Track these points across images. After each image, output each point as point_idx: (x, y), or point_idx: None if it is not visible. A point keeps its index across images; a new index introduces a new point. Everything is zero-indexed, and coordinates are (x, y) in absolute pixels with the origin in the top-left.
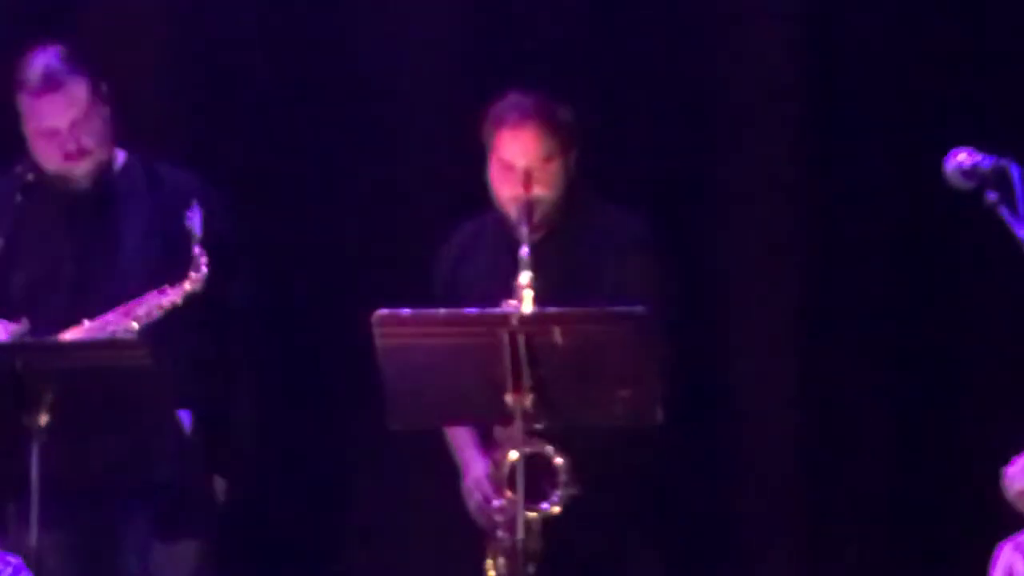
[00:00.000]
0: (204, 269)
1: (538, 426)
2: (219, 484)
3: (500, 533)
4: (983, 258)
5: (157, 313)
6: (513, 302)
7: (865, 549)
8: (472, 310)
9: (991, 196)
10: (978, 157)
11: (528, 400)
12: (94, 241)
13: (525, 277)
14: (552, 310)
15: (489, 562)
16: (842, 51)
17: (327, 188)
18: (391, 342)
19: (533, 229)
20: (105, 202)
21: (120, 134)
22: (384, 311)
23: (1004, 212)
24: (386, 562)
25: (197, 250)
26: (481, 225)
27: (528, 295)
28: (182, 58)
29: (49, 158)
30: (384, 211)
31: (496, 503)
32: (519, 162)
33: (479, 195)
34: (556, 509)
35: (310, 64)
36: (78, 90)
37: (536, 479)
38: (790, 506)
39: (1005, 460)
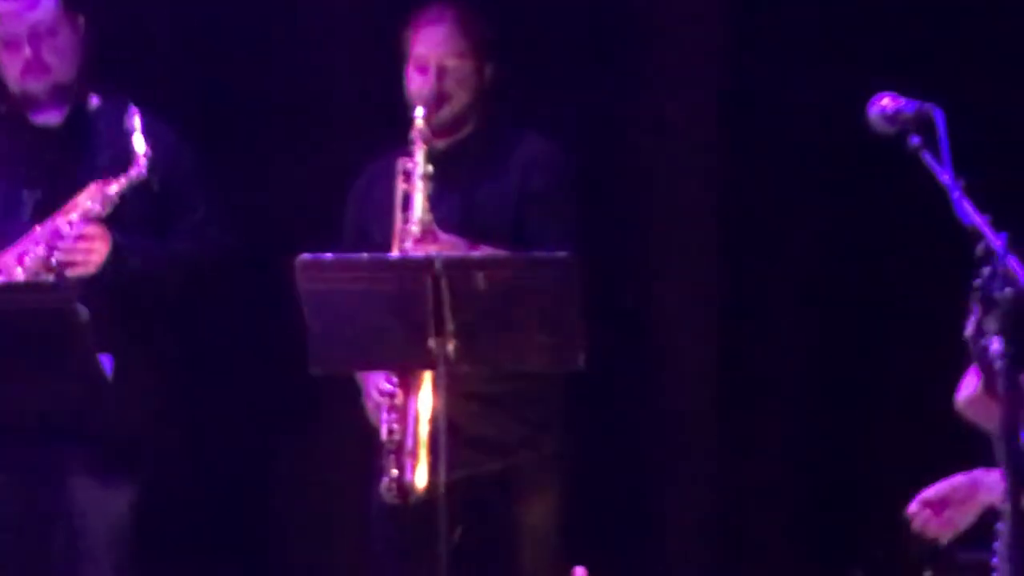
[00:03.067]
0: (144, 161)
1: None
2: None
3: (392, 425)
4: (907, 207)
5: (99, 208)
6: (406, 160)
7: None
8: (395, 255)
9: (914, 140)
10: (901, 102)
11: (451, 345)
12: (55, 178)
13: (421, 150)
14: (475, 255)
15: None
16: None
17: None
18: (314, 287)
19: (439, 131)
20: (71, 140)
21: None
22: (307, 256)
23: (927, 157)
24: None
25: (136, 144)
26: (389, 160)
27: (422, 157)
28: None
29: (9, 71)
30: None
31: (386, 386)
32: (431, 57)
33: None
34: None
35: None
36: (46, 2)
37: None
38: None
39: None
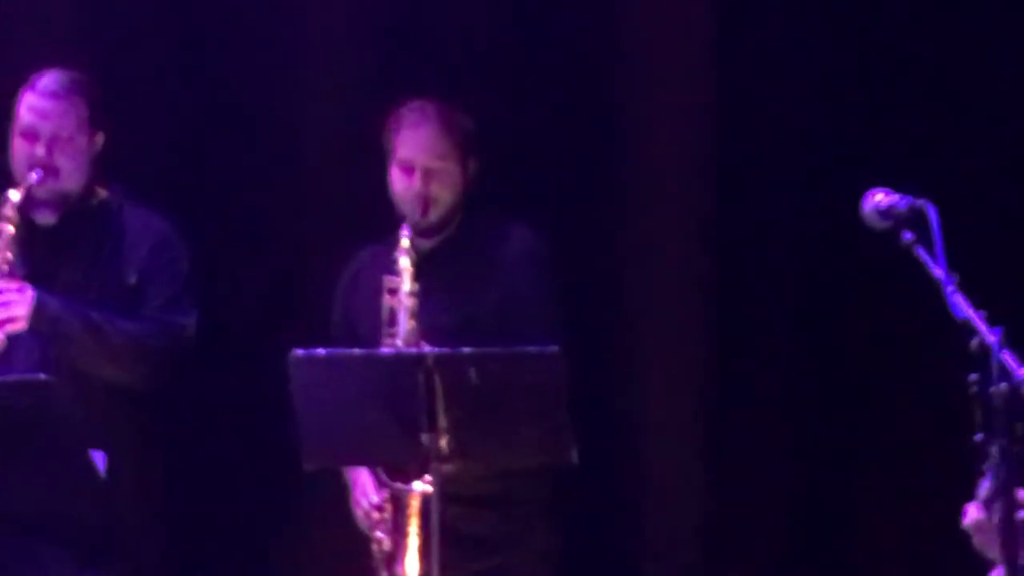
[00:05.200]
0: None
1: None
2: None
3: (382, 536)
4: (896, 295)
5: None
6: (392, 277)
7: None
8: (387, 350)
9: (907, 236)
10: (895, 197)
11: (443, 441)
12: (36, 277)
13: (406, 260)
14: (467, 350)
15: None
16: (756, 83)
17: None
18: (307, 382)
19: (427, 231)
20: (59, 241)
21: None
22: (300, 351)
23: (920, 252)
24: None
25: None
26: (383, 246)
27: (408, 274)
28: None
29: (20, 161)
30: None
31: (374, 499)
32: (417, 160)
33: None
34: (429, 488)
35: (222, 77)
36: (74, 109)
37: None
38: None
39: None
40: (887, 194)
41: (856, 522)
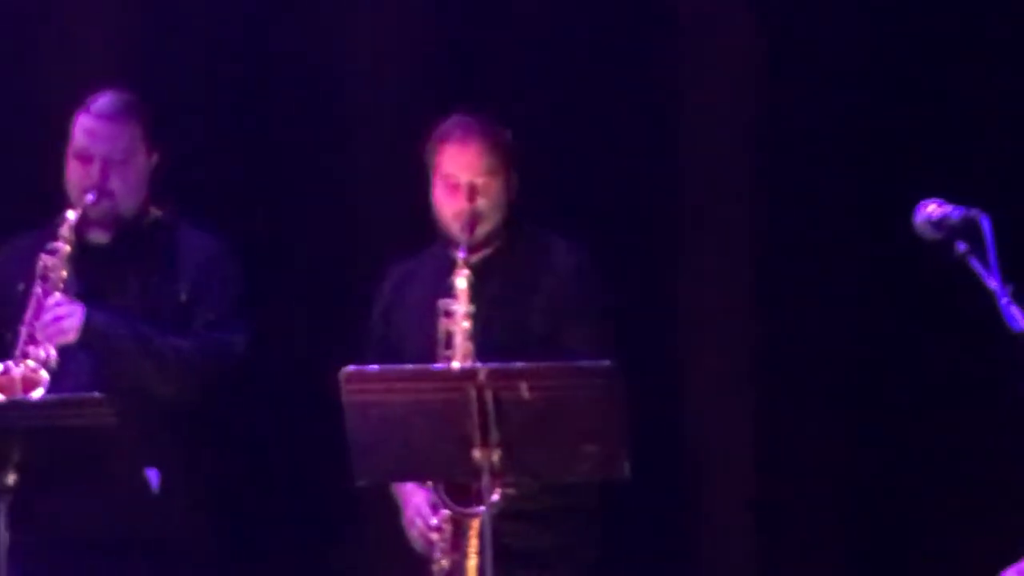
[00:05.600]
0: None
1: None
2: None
3: (440, 557)
4: (948, 306)
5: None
6: (448, 300)
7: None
8: (439, 366)
9: (961, 247)
10: (947, 208)
11: (495, 456)
12: (88, 296)
13: (462, 281)
14: (519, 365)
15: None
16: (806, 92)
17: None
18: (358, 398)
19: (475, 247)
20: (112, 260)
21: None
22: (351, 368)
23: (974, 263)
24: None
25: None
26: (417, 260)
27: (464, 296)
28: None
29: (74, 184)
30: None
31: (433, 521)
32: (463, 176)
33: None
34: (491, 511)
35: (270, 95)
36: (128, 131)
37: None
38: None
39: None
40: (940, 205)
41: (907, 528)
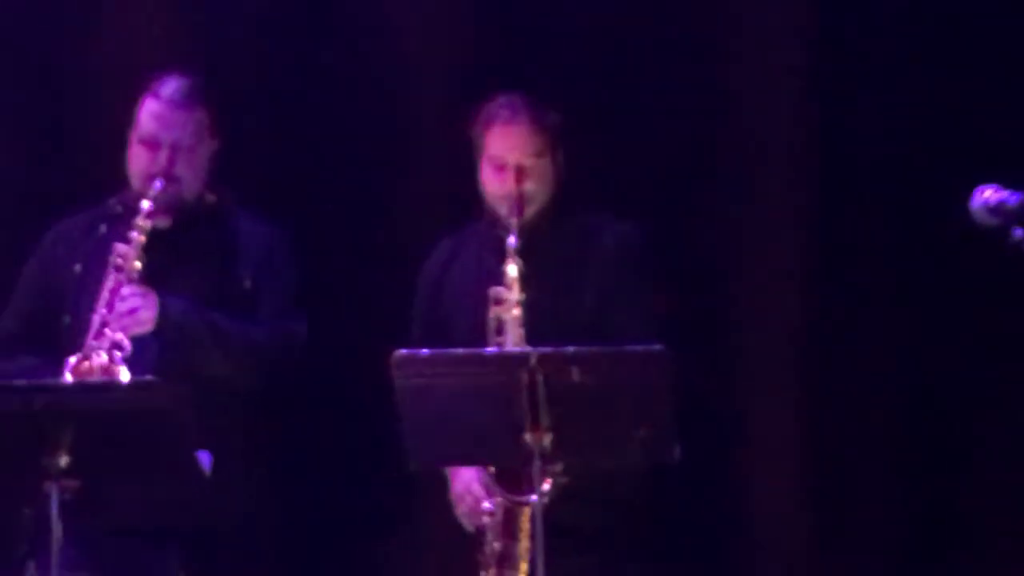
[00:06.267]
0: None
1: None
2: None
3: (490, 537)
4: (1005, 293)
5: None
6: (499, 288)
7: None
8: (491, 350)
9: (1018, 233)
10: (1004, 193)
11: (546, 440)
12: (152, 280)
13: (513, 268)
14: (570, 350)
15: (482, 573)
16: (860, 74)
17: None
18: (409, 382)
19: (522, 229)
20: (174, 244)
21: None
22: (403, 352)
23: None
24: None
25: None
26: (462, 237)
27: (516, 283)
28: None
29: (139, 170)
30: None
31: (486, 505)
32: (510, 157)
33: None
34: (543, 499)
35: (310, 83)
36: (196, 117)
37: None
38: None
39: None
40: (997, 190)
41: (961, 523)
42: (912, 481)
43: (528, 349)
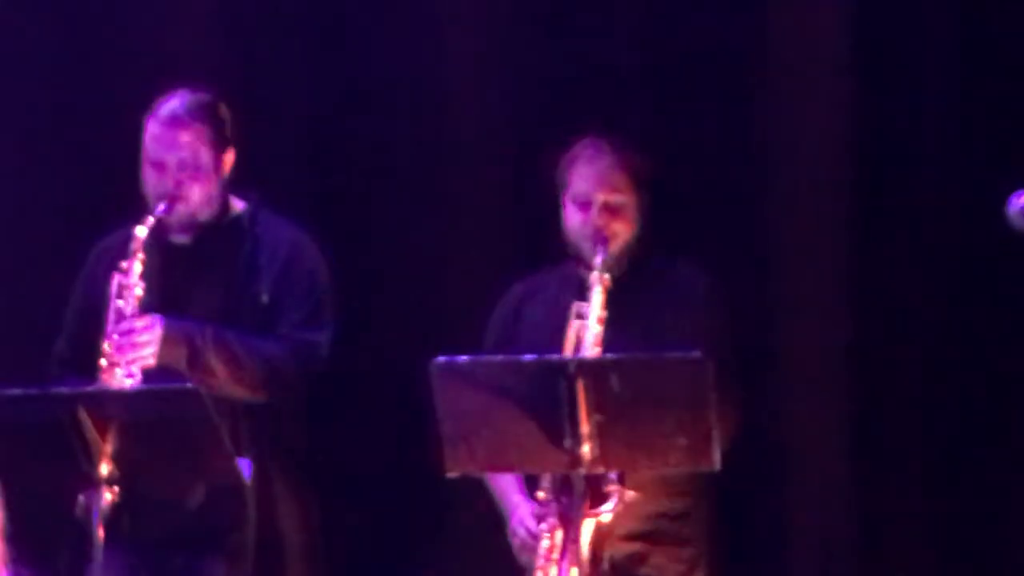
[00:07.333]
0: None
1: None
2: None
3: (542, 565)
4: None
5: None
6: (583, 303)
7: None
8: (530, 357)
9: None
10: None
11: (586, 447)
12: (173, 299)
13: (599, 288)
14: (609, 356)
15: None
16: (898, 79)
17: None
18: (449, 389)
19: (606, 267)
20: (193, 261)
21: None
22: (442, 359)
23: None
24: None
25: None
26: (538, 280)
27: (600, 300)
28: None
29: (151, 191)
30: (442, 258)
31: (541, 528)
32: (595, 195)
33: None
34: (609, 516)
35: (366, 106)
36: (197, 134)
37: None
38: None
39: None
40: None
41: (1008, 524)
42: (958, 481)
43: (567, 356)
